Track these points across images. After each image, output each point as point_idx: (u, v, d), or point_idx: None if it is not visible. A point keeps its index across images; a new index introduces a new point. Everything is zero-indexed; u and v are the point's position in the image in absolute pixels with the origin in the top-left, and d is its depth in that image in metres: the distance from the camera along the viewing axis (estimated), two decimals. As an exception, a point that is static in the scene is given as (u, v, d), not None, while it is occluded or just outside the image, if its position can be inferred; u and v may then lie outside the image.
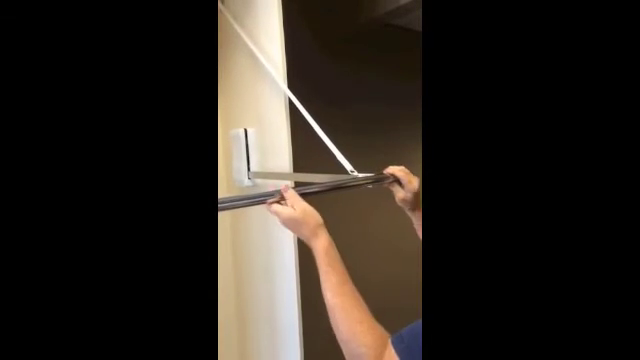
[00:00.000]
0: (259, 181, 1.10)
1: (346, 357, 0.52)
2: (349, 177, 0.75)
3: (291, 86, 0.94)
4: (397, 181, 0.72)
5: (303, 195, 0.65)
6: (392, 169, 0.73)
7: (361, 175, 0.75)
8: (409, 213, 0.75)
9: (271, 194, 0.66)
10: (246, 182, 1.11)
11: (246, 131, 1.13)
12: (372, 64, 1.86)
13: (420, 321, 0.46)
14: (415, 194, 0.72)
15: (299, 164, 0.98)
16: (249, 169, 1.12)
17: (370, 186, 0.74)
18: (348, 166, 0.76)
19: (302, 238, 0.65)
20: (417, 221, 0.74)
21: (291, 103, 0.93)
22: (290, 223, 0.65)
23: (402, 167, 0.74)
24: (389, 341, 0.48)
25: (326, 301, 0.57)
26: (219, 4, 1.17)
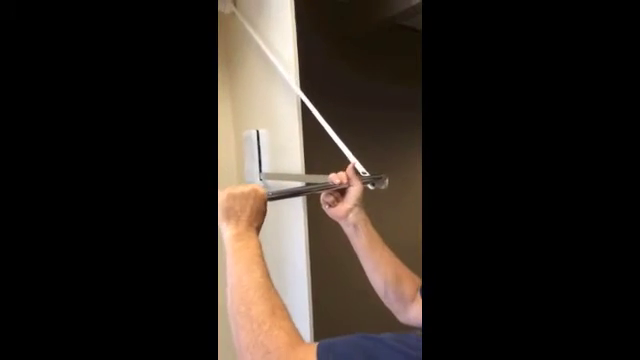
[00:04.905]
0: (270, 182, 1.11)
1: (247, 344, 0.45)
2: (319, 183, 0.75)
3: (303, 88, 0.95)
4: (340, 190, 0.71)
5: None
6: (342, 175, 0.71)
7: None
8: (350, 226, 0.71)
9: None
10: (258, 183, 1.12)
11: (258, 132, 1.13)
12: (385, 65, 1.85)
13: (355, 340, 0.44)
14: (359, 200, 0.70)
15: (311, 165, 0.98)
16: (261, 170, 1.13)
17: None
18: (360, 168, 0.76)
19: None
20: (364, 233, 0.70)
21: (303, 105, 0.93)
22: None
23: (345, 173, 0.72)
24: (309, 342, 0.45)
25: (246, 280, 0.51)
26: (232, 7, 1.18)
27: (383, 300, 0.69)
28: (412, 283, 0.67)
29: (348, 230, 0.72)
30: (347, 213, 0.70)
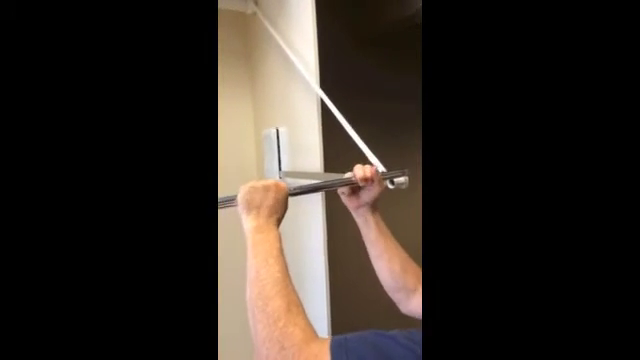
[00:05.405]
0: (290, 180, 1.12)
1: (264, 339, 0.46)
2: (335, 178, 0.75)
3: (323, 86, 0.95)
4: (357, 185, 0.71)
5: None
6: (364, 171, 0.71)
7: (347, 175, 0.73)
8: (361, 216, 0.72)
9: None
10: (277, 181, 1.13)
11: (278, 131, 1.15)
12: (403, 64, 1.84)
13: (367, 337, 0.44)
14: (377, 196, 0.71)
15: (330, 164, 0.99)
16: (280, 168, 1.14)
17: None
18: (380, 166, 0.77)
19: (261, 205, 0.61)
20: (374, 225, 0.71)
21: (323, 103, 0.94)
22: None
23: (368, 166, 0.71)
24: (323, 337, 0.46)
25: (263, 274, 0.52)
26: (254, 6, 1.20)
27: (386, 289, 0.71)
28: (416, 274, 0.69)
29: (359, 220, 0.74)
30: (360, 206, 0.72)
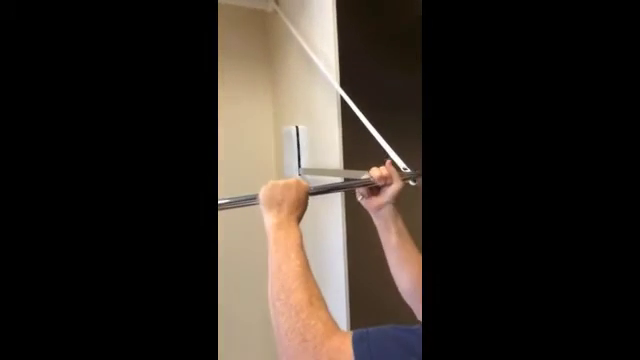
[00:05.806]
0: (309, 177, 1.12)
1: (286, 330, 0.47)
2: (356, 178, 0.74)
3: (343, 85, 0.95)
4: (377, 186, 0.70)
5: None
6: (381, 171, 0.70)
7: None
8: (381, 219, 0.71)
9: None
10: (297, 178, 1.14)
11: (297, 128, 1.15)
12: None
13: (387, 330, 0.44)
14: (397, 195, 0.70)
15: (349, 161, 0.98)
16: (300, 166, 1.14)
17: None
18: (401, 163, 0.76)
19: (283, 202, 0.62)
20: (394, 229, 0.69)
21: (343, 101, 0.93)
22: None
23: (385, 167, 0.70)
24: (344, 330, 0.46)
25: (285, 268, 0.53)
26: (275, 5, 1.20)
27: (404, 296, 0.69)
28: None
29: (379, 223, 0.72)
30: (380, 207, 0.70)
